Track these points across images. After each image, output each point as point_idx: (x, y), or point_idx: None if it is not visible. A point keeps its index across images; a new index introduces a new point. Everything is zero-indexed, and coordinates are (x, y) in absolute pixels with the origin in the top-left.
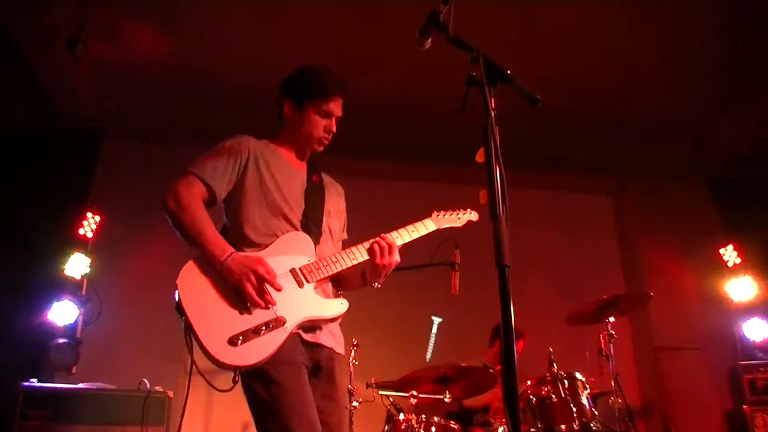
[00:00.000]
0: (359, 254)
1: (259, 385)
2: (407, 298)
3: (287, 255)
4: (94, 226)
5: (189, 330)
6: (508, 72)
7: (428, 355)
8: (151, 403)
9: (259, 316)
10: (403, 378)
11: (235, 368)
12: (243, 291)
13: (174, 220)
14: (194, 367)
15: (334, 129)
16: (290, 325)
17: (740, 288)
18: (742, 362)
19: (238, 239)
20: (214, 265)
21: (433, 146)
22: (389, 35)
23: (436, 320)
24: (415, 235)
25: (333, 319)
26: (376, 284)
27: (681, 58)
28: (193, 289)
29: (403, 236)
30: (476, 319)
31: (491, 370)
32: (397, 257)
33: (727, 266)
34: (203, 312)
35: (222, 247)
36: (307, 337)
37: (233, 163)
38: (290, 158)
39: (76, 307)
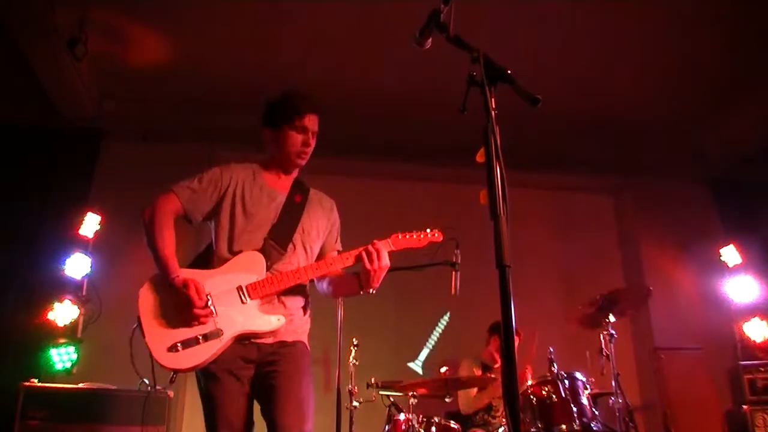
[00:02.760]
0: (335, 264)
1: (200, 385)
2: (407, 298)
3: (237, 273)
4: (94, 226)
5: (143, 337)
6: (509, 72)
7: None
8: (151, 403)
9: (200, 328)
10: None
11: (171, 370)
12: (180, 307)
13: (145, 232)
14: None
15: (311, 143)
16: (226, 337)
17: (740, 288)
18: (742, 362)
19: (214, 257)
20: (166, 280)
21: (433, 146)
22: (390, 35)
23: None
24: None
25: (268, 333)
26: (371, 290)
27: (681, 58)
28: (148, 304)
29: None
30: (476, 319)
31: (488, 368)
32: (386, 261)
33: (727, 266)
34: (152, 323)
35: (171, 268)
36: (252, 340)
37: (211, 191)
38: (273, 181)
39: (76, 307)
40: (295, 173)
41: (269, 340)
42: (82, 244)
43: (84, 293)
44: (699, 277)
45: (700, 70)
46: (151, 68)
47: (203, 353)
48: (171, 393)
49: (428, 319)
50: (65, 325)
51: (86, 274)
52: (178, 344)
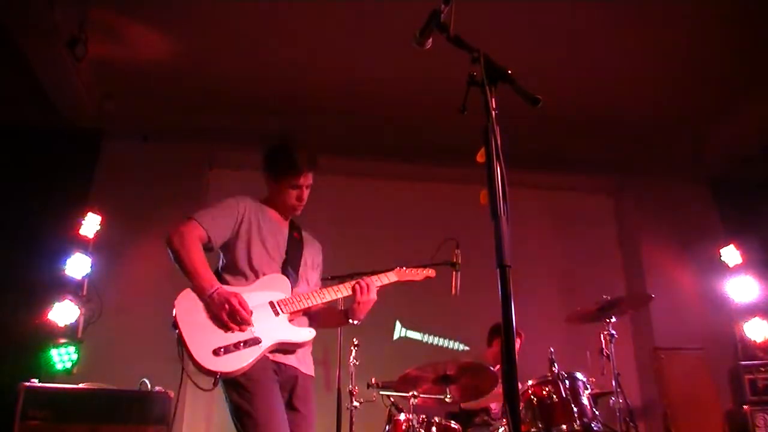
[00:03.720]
0: (328, 295)
1: (235, 394)
2: (407, 298)
3: (267, 291)
4: (94, 226)
5: (180, 342)
6: (509, 72)
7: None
8: (151, 403)
9: (239, 336)
10: (403, 376)
11: (215, 374)
12: (220, 318)
13: (175, 256)
14: (184, 372)
15: (304, 198)
16: (265, 345)
17: (740, 288)
18: (742, 362)
19: (232, 278)
20: (202, 296)
21: (433, 146)
22: (390, 35)
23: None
24: (380, 283)
25: (302, 344)
26: (356, 322)
27: (682, 58)
28: (187, 310)
29: (380, 280)
30: (476, 319)
31: (491, 369)
32: (374, 295)
33: (728, 266)
34: (193, 329)
35: (210, 283)
36: (276, 357)
37: (231, 218)
38: (276, 217)
39: (77, 307)
40: (289, 217)
41: (292, 362)
42: (82, 244)
43: (84, 293)
44: (699, 277)
45: (700, 70)
46: (151, 68)
47: (246, 357)
48: (171, 393)
49: (428, 320)
50: (65, 325)
51: (86, 274)
52: (221, 349)
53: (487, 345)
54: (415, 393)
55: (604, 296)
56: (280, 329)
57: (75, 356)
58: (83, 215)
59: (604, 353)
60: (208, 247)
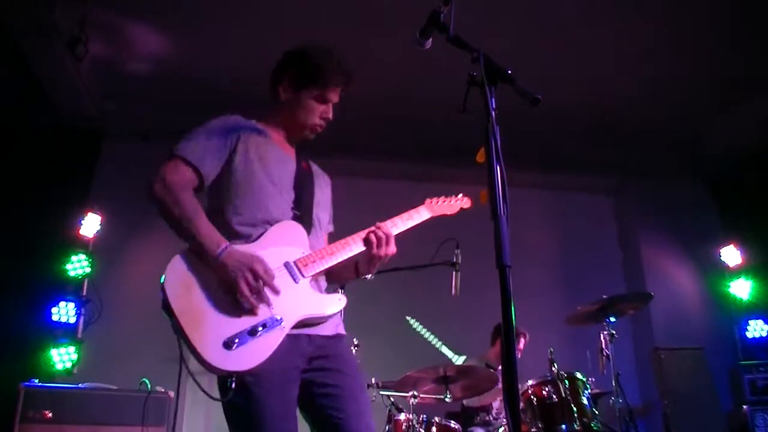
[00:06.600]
0: (355, 245)
1: (233, 394)
2: (408, 299)
3: (280, 247)
4: (94, 226)
5: (178, 332)
6: (509, 72)
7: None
8: (151, 403)
9: (253, 317)
10: (403, 378)
11: (231, 374)
12: (237, 290)
13: (163, 209)
14: (188, 372)
15: (330, 116)
16: (288, 325)
17: (740, 288)
18: (742, 362)
19: (222, 228)
20: (207, 259)
21: (433, 146)
22: (390, 34)
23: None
24: (410, 224)
25: (331, 316)
26: (369, 276)
27: (681, 59)
28: (182, 286)
29: (398, 225)
30: (477, 319)
31: (492, 370)
32: (393, 248)
33: (727, 266)
34: (193, 312)
35: (217, 240)
36: (291, 331)
37: (222, 144)
38: (280, 142)
39: (76, 307)
40: (296, 143)
41: (326, 331)
42: (82, 244)
43: (84, 293)
44: (699, 277)
45: (700, 70)
46: (152, 68)
47: (265, 348)
48: (171, 393)
49: (428, 320)
50: (65, 325)
51: (86, 274)
52: (235, 339)
53: (490, 344)
54: (415, 393)
55: (604, 296)
56: (303, 300)
57: (75, 356)
58: (83, 215)
59: (604, 353)
60: (198, 189)
